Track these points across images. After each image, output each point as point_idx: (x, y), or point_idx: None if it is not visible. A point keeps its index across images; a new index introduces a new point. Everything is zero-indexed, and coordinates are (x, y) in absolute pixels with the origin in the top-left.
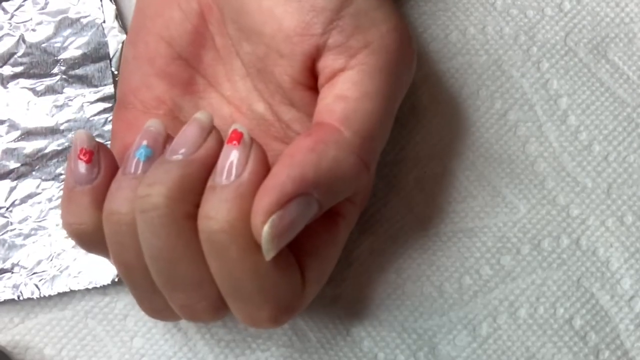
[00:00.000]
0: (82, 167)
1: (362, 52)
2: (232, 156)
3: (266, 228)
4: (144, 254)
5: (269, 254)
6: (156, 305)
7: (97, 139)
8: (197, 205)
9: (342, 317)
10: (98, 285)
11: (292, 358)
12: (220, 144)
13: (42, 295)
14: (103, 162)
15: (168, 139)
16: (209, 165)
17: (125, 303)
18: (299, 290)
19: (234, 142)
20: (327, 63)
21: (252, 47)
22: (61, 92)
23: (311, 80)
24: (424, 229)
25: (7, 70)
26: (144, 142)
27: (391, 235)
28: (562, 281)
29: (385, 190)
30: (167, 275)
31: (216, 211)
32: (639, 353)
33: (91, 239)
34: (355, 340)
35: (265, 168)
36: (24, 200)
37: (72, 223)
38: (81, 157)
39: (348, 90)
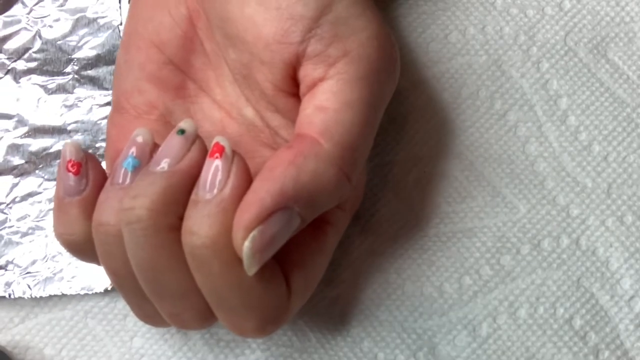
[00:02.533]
0: (70, 179)
1: (342, 61)
2: (214, 170)
3: (247, 244)
4: (131, 263)
5: (250, 269)
6: (147, 311)
7: (104, 143)
8: (181, 217)
9: (342, 317)
10: (90, 292)
11: (292, 358)
12: (204, 154)
13: (32, 296)
14: (91, 173)
15: (155, 147)
16: (193, 176)
17: (125, 303)
18: (284, 301)
19: (216, 155)
20: (307, 72)
21: (236, 54)
22: (72, 92)
23: (294, 88)
24: (424, 229)
25: (21, 64)
26: (132, 152)
27: (391, 235)
28: (562, 281)
29: (385, 190)
30: (154, 285)
31: (198, 226)
32: (639, 353)
33: (82, 248)
34: (355, 340)
35: (247, 181)
36: (24, 198)
37: (63, 233)
38: (69, 168)
39: (327, 101)
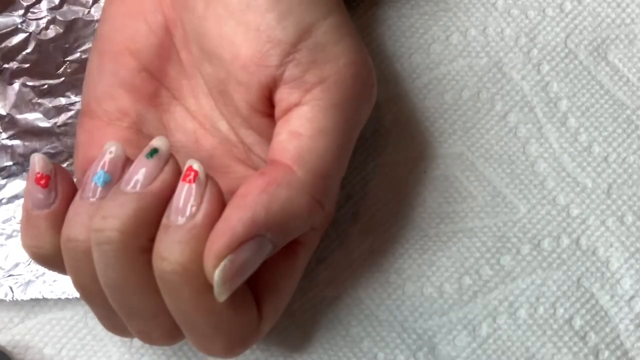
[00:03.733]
0: (39, 191)
1: (318, 88)
2: (186, 194)
3: (217, 272)
4: (100, 281)
5: (221, 296)
6: (115, 324)
7: None
8: (152, 239)
9: (342, 317)
10: (71, 297)
11: (292, 358)
12: (176, 175)
13: (15, 299)
14: (60, 186)
15: (128, 161)
16: (165, 198)
17: None
18: (254, 325)
19: (189, 178)
20: (283, 96)
21: (212, 69)
22: (63, 95)
23: (269, 109)
24: (424, 229)
25: (15, 66)
26: (103, 167)
27: (391, 235)
28: (562, 281)
29: (385, 190)
30: (122, 304)
31: (169, 252)
32: (639, 353)
33: (51, 261)
34: (355, 340)
35: (220, 207)
36: (10, 200)
37: (31, 246)
38: (38, 181)
39: (302, 127)
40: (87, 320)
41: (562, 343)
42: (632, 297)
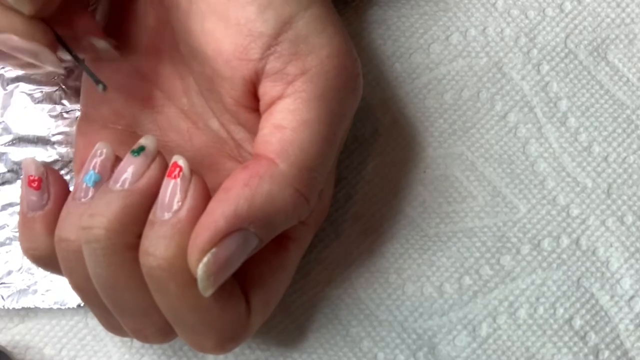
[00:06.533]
0: (32, 194)
1: (300, 79)
2: (171, 190)
3: (201, 266)
4: (92, 280)
5: (206, 291)
6: (113, 324)
7: None
8: (140, 236)
9: (342, 317)
10: (63, 307)
11: (292, 358)
12: (163, 172)
13: (5, 307)
14: (53, 188)
15: (117, 162)
16: (151, 195)
17: None
18: (243, 320)
19: (174, 174)
20: (266, 90)
21: (200, 67)
22: (58, 103)
23: (255, 103)
24: (424, 229)
25: (10, 71)
26: (93, 167)
27: (391, 235)
28: (562, 281)
29: (386, 191)
30: (114, 302)
31: (154, 247)
32: (639, 353)
33: (48, 262)
34: (355, 340)
35: (204, 202)
36: (4, 208)
37: (29, 248)
38: (30, 184)
39: (284, 120)
40: (87, 321)
41: (562, 343)
42: (632, 297)
